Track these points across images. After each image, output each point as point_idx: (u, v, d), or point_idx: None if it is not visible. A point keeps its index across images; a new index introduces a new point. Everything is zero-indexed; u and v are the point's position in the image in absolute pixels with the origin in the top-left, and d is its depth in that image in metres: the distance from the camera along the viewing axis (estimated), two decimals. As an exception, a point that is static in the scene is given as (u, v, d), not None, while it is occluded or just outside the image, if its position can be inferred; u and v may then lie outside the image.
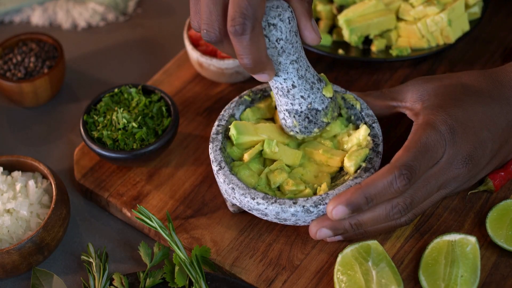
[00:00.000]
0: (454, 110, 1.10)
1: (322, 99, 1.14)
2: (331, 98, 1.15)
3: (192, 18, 1.05)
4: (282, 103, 1.14)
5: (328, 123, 1.16)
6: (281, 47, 1.06)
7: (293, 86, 1.11)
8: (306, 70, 1.11)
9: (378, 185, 1.05)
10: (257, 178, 1.13)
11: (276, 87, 1.12)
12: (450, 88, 1.13)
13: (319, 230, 1.10)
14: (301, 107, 1.13)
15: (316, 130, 1.16)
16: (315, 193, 1.12)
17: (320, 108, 1.14)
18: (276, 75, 1.10)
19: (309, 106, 1.13)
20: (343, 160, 1.14)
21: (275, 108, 1.21)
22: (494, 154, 1.13)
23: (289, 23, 1.05)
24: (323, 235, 1.10)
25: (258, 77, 1.07)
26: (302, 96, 1.12)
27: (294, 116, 1.14)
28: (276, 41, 1.05)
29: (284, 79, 1.10)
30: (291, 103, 1.13)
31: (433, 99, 1.12)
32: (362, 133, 1.15)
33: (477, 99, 1.12)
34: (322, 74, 1.16)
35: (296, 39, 1.07)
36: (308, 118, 1.14)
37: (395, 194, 1.06)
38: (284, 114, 1.15)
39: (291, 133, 1.16)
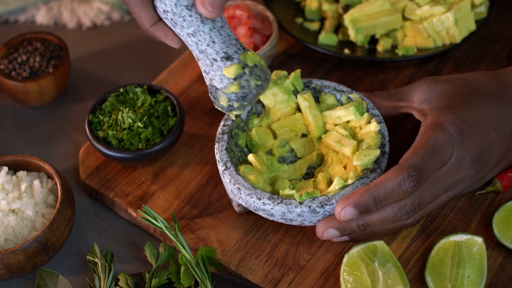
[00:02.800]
0: (462, 111, 1.10)
1: (221, 78, 1.10)
2: (233, 79, 1.10)
3: None
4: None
5: (232, 106, 1.13)
6: (171, 19, 1.06)
7: (197, 59, 1.11)
8: (207, 45, 1.09)
9: (386, 187, 1.05)
10: (262, 180, 1.13)
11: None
12: (458, 89, 1.13)
13: (326, 231, 1.09)
14: (206, 81, 1.13)
15: (222, 106, 1.13)
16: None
17: (218, 87, 1.11)
18: (186, 42, 1.10)
19: (210, 82, 1.12)
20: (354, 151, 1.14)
21: None
22: (502, 156, 1.13)
23: None
24: (330, 235, 1.10)
25: (206, 12, 1.05)
26: (204, 71, 1.12)
27: (210, 92, 1.14)
28: (164, 12, 1.06)
29: (190, 50, 1.10)
30: (203, 74, 1.13)
31: (441, 99, 1.12)
32: (373, 128, 1.14)
33: (485, 100, 1.12)
34: (249, 51, 1.12)
35: (189, 13, 1.05)
36: (211, 93, 1.13)
37: (403, 196, 1.06)
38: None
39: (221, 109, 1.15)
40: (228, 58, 1.09)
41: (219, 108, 1.14)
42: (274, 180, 1.15)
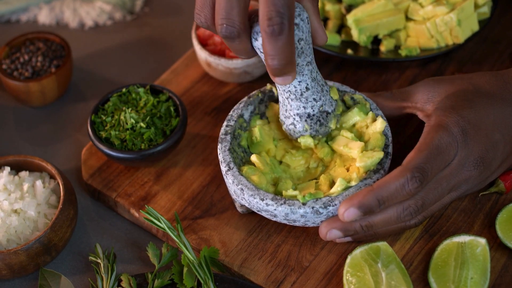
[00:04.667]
0: (466, 111, 1.10)
1: (330, 101, 1.14)
2: (336, 100, 1.15)
3: (199, 10, 1.03)
4: (292, 108, 1.12)
5: (330, 128, 1.16)
6: (301, 48, 1.05)
7: (307, 89, 1.10)
8: (317, 72, 1.11)
9: (390, 188, 1.04)
10: (265, 181, 1.12)
11: (289, 90, 1.10)
12: (461, 90, 1.13)
13: (330, 231, 1.09)
14: (313, 110, 1.12)
15: (324, 132, 1.15)
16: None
17: (330, 111, 1.14)
18: (302, 73, 1.08)
19: (320, 108, 1.12)
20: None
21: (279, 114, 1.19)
22: (506, 157, 1.13)
23: (308, 23, 1.04)
24: (333, 236, 1.10)
25: (282, 79, 1.03)
26: (314, 99, 1.11)
27: (305, 120, 1.13)
28: (298, 41, 1.04)
29: (299, 81, 1.09)
30: (304, 107, 1.12)
31: (445, 100, 1.12)
32: (378, 126, 1.14)
33: (489, 101, 1.12)
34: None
35: (310, 40, 1.06)
36: (319, 121, 1.13)
37: (406, 197, 1.06)
38: (294, 119, 1.13)
39: (301, 140, 1.15)
40: (325, 82, 1.13)
41: (316, 136, 1.15)
42: (277, 181, 1.15)
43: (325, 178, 1.13)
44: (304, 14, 1.04)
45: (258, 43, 1.04)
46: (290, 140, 1.20)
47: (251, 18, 1.04)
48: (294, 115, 1.13)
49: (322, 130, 1.15)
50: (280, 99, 1.14)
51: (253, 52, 1.06)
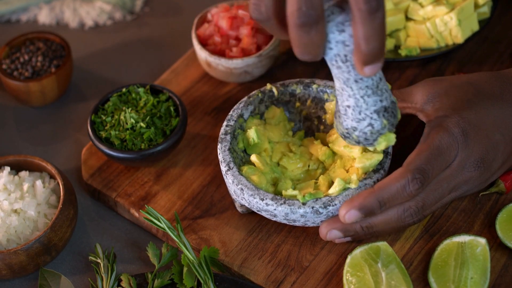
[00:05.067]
0: (466, 112, 1.10)
1: (388, 92, 1.06)
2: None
3: (258, 0, 0.91)
4: (369, 105, 1.04)
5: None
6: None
7: (380, 79, 1.02)
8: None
9: (391, 189, 1.04)
10: (265, 181, 1.12)
11: (366, 86, 1.01)
12: (461, 90, 1.13)
13: (330, 232, 1.09)
14: (387, 102, 1.05)
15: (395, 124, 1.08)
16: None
17: (394, 100, 1.07)
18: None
19: (391, 98, 1.05)
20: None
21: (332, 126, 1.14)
22: (506, 157, 1.12)
23: None
24: (333, 237, 1.10)
25: (372, 68, 0.93)
26: (385, 89, 1.04)
27: (383, 115, 1.05)
28: None
29: (359, 87, 1.02)
30: (380, 100, 1.03)
31: (445, 100, 1.12)
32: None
33: (489, 101, 1.12)
34: None
35: None
36: (393, 112, 1.06)
37: (407, 198, 1.06)
38: (371, 117, 1.05)
39: (374, 143, 1.07)
40: None
41: (392, 130, 1.08)
42: (276, 181, 1.15)
43: (324, 179, 1.13)
44: None
45: (343, 35, 0.94)
46: (287, 143, 1.20)
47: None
48: (371, 113, 1.04)
49: (395, 122, 1.07)
50: (351, 102, 1.04)
51: (324, 50, 0.95)
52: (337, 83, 1.04)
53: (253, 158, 1.14)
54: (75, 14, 1.56)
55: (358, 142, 1.09)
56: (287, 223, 1.12)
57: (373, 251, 1.10)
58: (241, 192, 1.10)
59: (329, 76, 1.36)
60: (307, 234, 1.16)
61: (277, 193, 1.12)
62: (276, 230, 1.17)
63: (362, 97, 1.03)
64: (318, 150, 1.17)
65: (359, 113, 1.05)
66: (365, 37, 0.90)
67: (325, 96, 1.21)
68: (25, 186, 1.18)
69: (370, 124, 1.06)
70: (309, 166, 1.17)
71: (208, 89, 1.36)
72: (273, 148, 1.19)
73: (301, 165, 1.17)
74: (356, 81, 1.01)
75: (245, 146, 1.18)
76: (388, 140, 1.07)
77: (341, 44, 0.96)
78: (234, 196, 1.14)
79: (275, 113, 1.21)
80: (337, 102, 1.07)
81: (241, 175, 1.11)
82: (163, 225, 1.12)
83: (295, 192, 1.09)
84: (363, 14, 0.88)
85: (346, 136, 1.09)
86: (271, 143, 1.19)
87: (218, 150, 1.15)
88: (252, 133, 1.16)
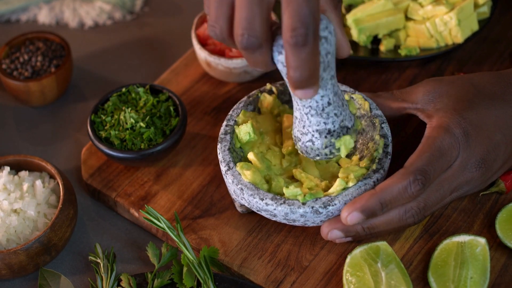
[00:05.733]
0: (467, 112, 1.09)
1: (350, 116, 1.10)
2: (355, 115, 1.13)
3: (214, 22, 0.98)
4: (312, 124, 1.07)
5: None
6: (328, 61, 1.01)
7: (329, 104, 1.06)
8: (338, 86, 1.07)
9: (393, 190, 1.04)
10: (260, 177, 1.12)
11: (310, 105, 1.06)
12: (462, 90, 1.13)
13: (331, 232, 1.09)
14: (334, 126, 1.08)
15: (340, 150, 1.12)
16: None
17: (349, 126, 1.10)
18: (325, 87, 1.04)
19: (341, 124, 1.09)
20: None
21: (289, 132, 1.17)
22: (507, 158, 1.12)
23: (334, 36, 1.01)
24: (334, 237, 1.10)
25: (303, 93, 0.98)
26: (335, 114, 1.07)
27: (325, 136, 1.08)
28: (325, 55, 1.01)
29: (322, 96, 1.05)
30: (324, 122, 1.07)
31: (446, 101, 1.12)
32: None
33: (490, 102, 1.12)
34: None
35: (335, 53, 1.03)
36: (339, 136, 1.09)
37: (409, 199, 1.06)
38: (313, 135, 1.08)
39: (317, 158, 1.11)
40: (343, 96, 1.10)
41: (328, 158, 1.12)
42: (269, 179, 1.14)
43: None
44: (331, 26, 1.00)
45: (282, 57, 0.99)
46: (274, 135, 1.19)
47: (273, 31, 1.00)
48: (314, 131, 1.08)
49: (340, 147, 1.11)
50: (297, 114, 1.09)
51: (272, 65, 1.00)
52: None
53: (250, 156, 1.14)
54: (75, 14, 1.56)
55: (301, 152, 1.12)
56: (287, 223, 1.12)
57: (373, 251, 1.10)
58: (241, 192, 1.10)
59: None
60: (307, 234, 1.16)
61: (271, 191, 1.11)
62: (276, 230, 1.17)
63: (306, 114, 1.07)
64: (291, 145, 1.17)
65: (303, 127, 1.09)
66: (291, 66, 0.95)
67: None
68: (25, 186, 1.18)
69: (311, 141, 1.10)
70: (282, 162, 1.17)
71: (208, 89, 1.36)
72: (263, 139, 1.18)
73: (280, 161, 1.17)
74: (300, 99, 1.04)
75: (239, 141, 1.17)
76: (345, 143, 1.10)
77: (281, 64, 1.00)
78: (234, 196, 1.14)
79: (269, 101, 1.20)
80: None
81: (240, 174, 1.11)
82: (162, 225, 1.12)
83: (296, 191, 1.08)
84: (289, 46, 0.93)
85: (295, 142, 1.13)
86: (262, 134, 1.18)
87: (217, 150, 1.15)
88: (248, 128, 1.15)
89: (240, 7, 0.94)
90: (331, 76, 1.04)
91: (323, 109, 1.06)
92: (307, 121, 1.08)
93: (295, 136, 1.12)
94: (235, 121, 1.17)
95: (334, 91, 1.06)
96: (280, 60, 1.00)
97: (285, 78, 1.03)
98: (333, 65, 1.03)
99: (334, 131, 1.08)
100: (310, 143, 1.10)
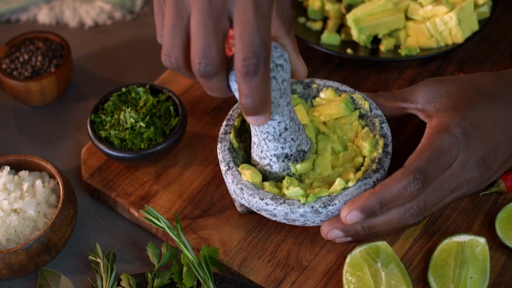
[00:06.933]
0: (467, 112, 1.10)
1: (306, 140, 1.13)
2: (310, 139, 1.14)
3: (169, 51, 0.98)
4: (269, 149, 1.10)
5: None
6: (284, 88, 1.03)
7: (285, 129, 1.08)
8: (294, 112, 1.09)
9: (392, 190, 1.04)
10: (259, 178, 1.12)
11: (267, 131, 1.08)
12: (462, 90, 1.13)
13: (331, 231, 1.09)
14: (291, 150, 1.10)
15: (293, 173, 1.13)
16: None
17: (306, 149, 1.13)
18: (272, 118, 1.06)
19: (298, 148, 1.11)
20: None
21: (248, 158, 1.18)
22: (507, 158, 1.12)
23: (289, 63, 1.03)
24: (334, 236, 1.10)
25: (254, 119, 0.99)
26: (292, 139, 1.09)
27: (283, 160, 1.11)
28: (282, 82, 1.02)
29: (279, 122, 1.06)
30: (282, 147, 1.09)
31: (446, 101, 1.12)
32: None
33: (490, 102, 1.12)
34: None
35: (290, 79, 1.05)
36: (296, 160, 1.12)
37: (409, 199, 1.06)
38: (271, 159, 1.11)
39: (274, 180, 1.13)
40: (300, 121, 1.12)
41: (289, 176, 1.13)
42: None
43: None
44: (286, 54, 1.02)
45: (235, 85, 1.00)
46: None
47: (228, 60, 1.00)
48: (271, 156, 1.11)
49: (292, 173, 1.13)
50: (255, 140, 1.11)
51: (228, 92, 1.01)
52: None
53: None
54: (75, 14, 1.56)
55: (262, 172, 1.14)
56: (287, 223, 1.12)
57: (373, 250, 1.10)
58: (241, 191, 1.10)
59: (329, 76, 1.37)
60: (306, 234, 1.16)
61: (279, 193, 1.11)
62: (276, 230, 1.17)
63: (263, 139, 1.09)
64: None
65: (261, 152, 1.11)
66: (242, 94, 0.96)
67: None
68: (25, 186, 1.18)
69: (269, 165, 1.12)
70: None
71: (208, 89, 1.36)
72: None
73: None
74: (252, 123, 1.05)
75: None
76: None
77: (236, 92, 1.01)
78: (233, 196, 1.14)
79: None
80: None
81: (240, 174, 1.11)
82: (162, 224, 1.12)
83: (296, 190, 1.08)
84: (240, 75, 0.94)
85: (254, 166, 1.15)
86: None
87: (217, 150, 1.15)
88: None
89: (195, 36, 0.95)
90: (287, 102, 1.05)
91: (280, 135, 1.08)
92: (265, 146, 1.10)
93: (253, 160, 1.14)
94: (235, 120, 1.17)
95: (291, 116, 1.08)
96: (234, 87, 1.01)
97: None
98: (289, 92, 1.05)
99: (291, 155, 1.11)
100: (268, 167, 1.12)
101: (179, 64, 0.99)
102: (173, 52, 0.98)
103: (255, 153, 1.13)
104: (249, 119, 1.00)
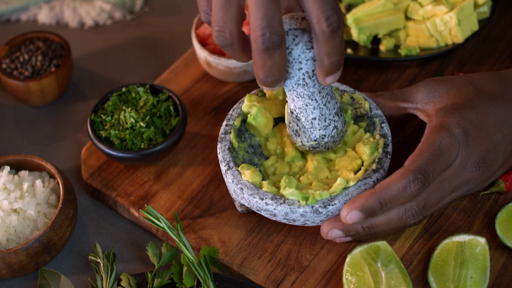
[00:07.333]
0: (467, 112, 1.10)
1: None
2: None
3: (222, 26, 0.95)
4: (330, 110, 1.10)
5: None
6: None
7: (320, 113, 1.11)
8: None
9: (392, 190, 1.04)
10: (259, 178, 1.12)
11: (327, 93, 1.09)
12: (462, 90, 1.13)
13: (331, 231, 1.09)
14: (338, 103, 1.13)
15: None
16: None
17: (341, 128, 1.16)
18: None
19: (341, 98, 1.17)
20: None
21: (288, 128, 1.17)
22: (507, 157, 1.12)
23: None
24: (334, 236, 1.10)
25: (335, 76, 1.01)
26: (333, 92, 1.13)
27: (341, 114, 1.13)
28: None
29: (313, 107, 1.10)
30: (336, 102, 1.11)
31: (446, 100, 1.12)
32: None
33: (490, 102, 1.12)
34: None
35: None
36: (335, 136, 1.13)
37: (409, 198, 1.06)
38: (334, 121, 1.11)
39: (341, 142, 1.15)
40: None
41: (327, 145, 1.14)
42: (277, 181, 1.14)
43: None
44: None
45: (312, 52, 1.01)
46: (284, 127, 1.19)
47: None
48: (333, 116, 1.11)
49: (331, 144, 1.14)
50: (316, 114, 1.10)
51: (285, 73, 1.01)
52: (299, 102, 1.09)
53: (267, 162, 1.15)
54: (75, 14, 1.56)
55: (328, 148, 1.14)
56: (287, 223, 1.12)
57: (373, 250, 1.10)
58: (241, 191, 1.10)
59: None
60: (307, 234, 1.16)
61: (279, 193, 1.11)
62: (276, 230, 1.17)
63: (325, 104, 1.10)
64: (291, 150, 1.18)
65: (325, 120, 1.11)
66: (327, 53, 0.96)
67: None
68: (25, 186, 1.18)
69: (335, 127, 1.12)
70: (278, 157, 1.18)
71: (208, 89, 1.36)
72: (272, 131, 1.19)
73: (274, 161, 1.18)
74: (319, 92, 1.07)
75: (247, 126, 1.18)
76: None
77: (310, 61, 1.02)
78: (233, 196, 1.14)
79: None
80: (297, 120, 1.12)
81: (240, 174, 1.11)
82: (162, 224, 1.12)
83: (292, 191, 1.08)
84: (325, 34, 0.94)
85: (315, 147, 1.13)
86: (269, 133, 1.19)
87: (217, 150, 1.15)
88: (250, 116, 1.17)
89: (255, 6, 0.91)
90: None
91: (331, 90, 1.10)
92: (327, 111, 1.10)
93: (316, 139, 1.12)
94: (235, 120, 1.17)
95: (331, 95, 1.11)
96: (311, 56, 1.01)
97: (301, 81, 1.05)
98: None
99: (339, 107, 1.12)
100: (335, 130, 1.12)
101: (234, 39, 0.96)
102: (226, 26, 0.95)
103: (318, 129, 1.11)
104: (328, 79, 1.00)
